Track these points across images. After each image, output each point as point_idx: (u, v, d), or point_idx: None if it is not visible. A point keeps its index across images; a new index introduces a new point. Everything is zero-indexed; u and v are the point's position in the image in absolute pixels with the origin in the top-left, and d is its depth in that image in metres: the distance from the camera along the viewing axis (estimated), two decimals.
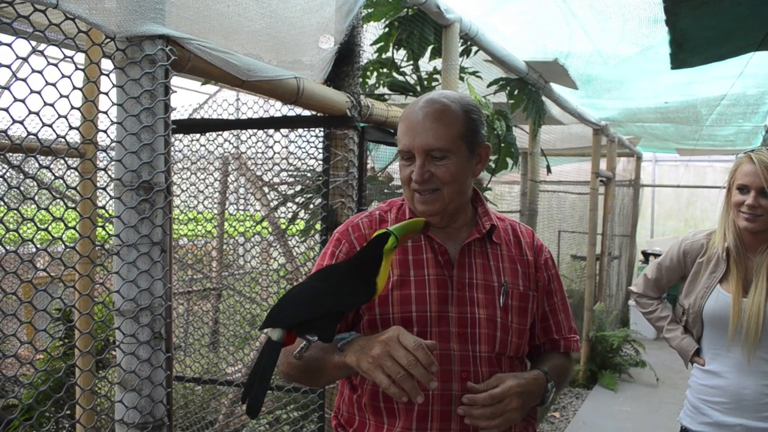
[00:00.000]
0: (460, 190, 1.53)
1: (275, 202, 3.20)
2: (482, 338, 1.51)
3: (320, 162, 2.37)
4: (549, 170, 5.14)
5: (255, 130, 2.66)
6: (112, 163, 1.35)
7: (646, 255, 9.29)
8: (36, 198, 1.27)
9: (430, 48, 3.11)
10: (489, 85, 4.06)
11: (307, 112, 2.32)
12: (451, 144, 1.48)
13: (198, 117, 4.08)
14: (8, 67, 1.17)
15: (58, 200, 1.32)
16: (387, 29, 3.07)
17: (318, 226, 2.45)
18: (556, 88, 4.70)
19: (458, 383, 1.47)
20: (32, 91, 1.19)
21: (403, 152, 1.52)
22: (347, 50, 2.30)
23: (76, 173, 1.59)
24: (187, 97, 6.38)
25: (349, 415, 1.59)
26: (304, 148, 2.56)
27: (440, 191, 1.50)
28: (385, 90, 3.16)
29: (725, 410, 2.31)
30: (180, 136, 2.95)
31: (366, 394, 1.54)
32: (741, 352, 2.28)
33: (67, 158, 1.34)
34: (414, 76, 3.19)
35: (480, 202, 1.66)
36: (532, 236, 1.70)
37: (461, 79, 3.19)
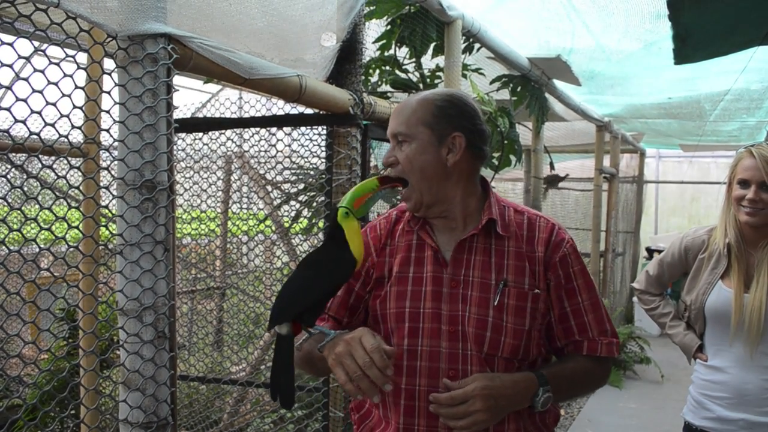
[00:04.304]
0: (425, 177, 1.51)
1: (278, 201, 3.20)
2: (472, 337, 1.48)
3: (323, 160, 2.37)
4: (552, 167, 5.14)
5: (258, 129, 2.66)
6: (115, 162, 1.35)
7: (650, 251, 9.26)
8: (39, 198, 1.27)
9: (432, 45, 3.10)
10: (492, 82, 4.06)
11: (309, 111, 2.31)
12: (409, 128, 1.51)
13: (201, 116, 4.08)
14: (10, 66, 1.16)
15: (61, 200, 1.32)
16: (389, 26, 3.07)
17: (321, 225, 2.45)
18: (559, 84, 4.69)
19: None
20: (34, 91, 1.18)
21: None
22: (349, 48, 2.30)
23: (79, 173, 1.59)
24: (190, 96, 6.38)
25: (360, 401, 1.64)
26: (307, 146, 2.56)
27: (411, 185, 1.51)
28: (388, 88, 3.16)
29: (728, 405, 2.31)
30: (183, 135, 2.96)
31: None
32: (743, 347, 2.28)
33: (69, 158, 1.34)
34: (416, 74, 3.19)
35: (488, 196, 1.62)
36: (550, 231, 1.58)
37: (464, 76, 3.18)
